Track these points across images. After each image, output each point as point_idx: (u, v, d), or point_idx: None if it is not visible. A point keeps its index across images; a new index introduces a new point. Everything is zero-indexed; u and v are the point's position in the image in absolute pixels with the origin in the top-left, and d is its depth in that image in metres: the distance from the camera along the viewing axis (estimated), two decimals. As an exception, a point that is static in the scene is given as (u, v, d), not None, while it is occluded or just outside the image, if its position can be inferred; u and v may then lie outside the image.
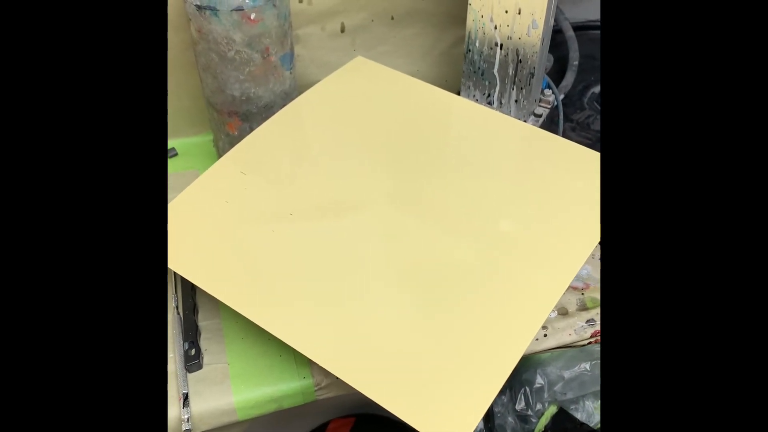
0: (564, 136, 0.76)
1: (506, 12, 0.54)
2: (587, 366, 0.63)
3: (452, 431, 0.37)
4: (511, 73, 0.57)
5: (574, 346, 0.50)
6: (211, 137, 0.64)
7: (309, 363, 0.47)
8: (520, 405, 0.64)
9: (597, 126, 0.78)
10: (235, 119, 0.56)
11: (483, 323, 0.42)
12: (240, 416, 0.46)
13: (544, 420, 0.62)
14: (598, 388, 0.63)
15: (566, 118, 0.79)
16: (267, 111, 0.55)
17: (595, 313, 0.50)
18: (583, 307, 0.51)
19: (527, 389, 0.64)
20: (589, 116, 0.80)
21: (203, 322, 0.50)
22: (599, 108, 0.79)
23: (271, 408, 0.46)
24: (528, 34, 0.54)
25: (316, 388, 0.47)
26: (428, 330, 0.42)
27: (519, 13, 0.53)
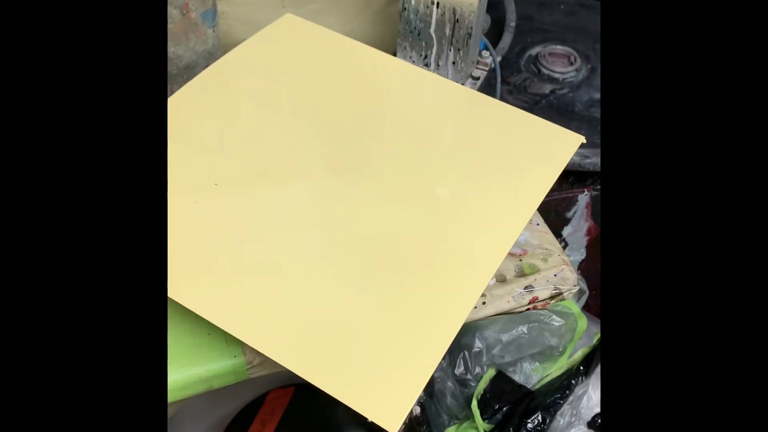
0: (501, 99, 0.75)
1: (442, -32, 0.51)
2: (524, 329, 0.63)
3: (391, 407, 0.36)
4: (448, 34, 0.55)
5: (513, 313, 0.50)
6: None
7: (240, 341, 0.45)
8: (459, 369, 0.64)
9: (534, 89, 0.77)
10: (153, 81, 0.52)
11: (421, 293, 0.41)
12: (169, 398, 0.43)
13: (483, 383, 0.63)
14: (536, 350, 0.64)
15: (503, 81, 0.78)
16: (188, 72, 0.52)
17: (533, 279, 0.50)
18: (521, 274, 0.51)
19: (466, 353, 0.64)
20: (525, 79, 0.79)
21: (124, 300, 0.46)
22: (536, 70, 0.79)
23: (202, 389, 0.44)
24: (465, -8, 0.52)
25: (248, 367, 0.44)
26: (364, 302, 0.41)
27: (456, -30, 0.51)
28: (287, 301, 0.40)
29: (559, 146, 0.49)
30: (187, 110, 0.49)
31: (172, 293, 0.40)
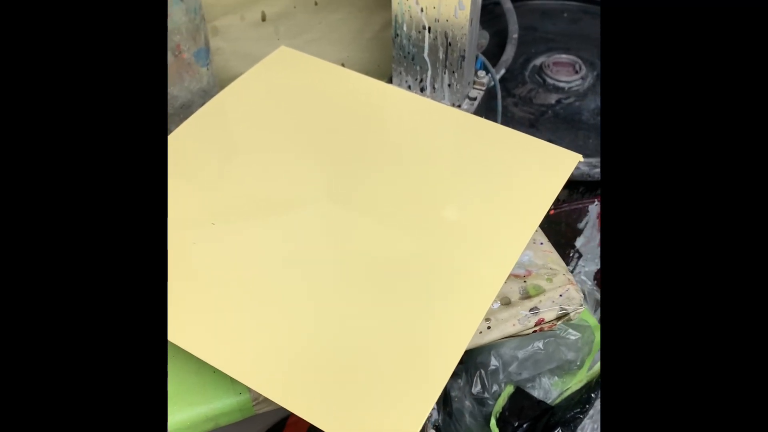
0: (506, 111, 0.75)
1: (431, -7, 0.51)
2: (540, 344, 0.62)
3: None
4: (441, 57, 0.55)
5: (519, 336, 0.49)
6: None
7: (244, 378, 0.45)
8: (477, 388, 0.63)
9: (539, 100, 0.77)
10: (152, 122, 0.53)
11: (423, 319, 0.41)
12: (175, 438, 0.44)
13: (502, 401, 0.62)
14: (553, 365, 0.63)
15: (508, 93, 0.77)
16: (184, 111, 0.52)
17: (538, 301, 0.49)
18: (526, 295, 0.50)
19: (482, 372, 0.63)
20: (531, 90, 0.78)
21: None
22: (541, 81, 0.78)
23: (208, 427, 0.44)
24: (455, 16, 0.52)
25: (254, 403, 0.45)
26: (367, 333, 0.41)
27: (444, -6, 0.51)
28: (289, 339, 0.40)
29: (557, 165, 0.49)
30: (185, 148, 0.49)
31: (172, 337, 0.40)
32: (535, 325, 0.49)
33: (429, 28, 0.53)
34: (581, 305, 0.49)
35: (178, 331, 0.40)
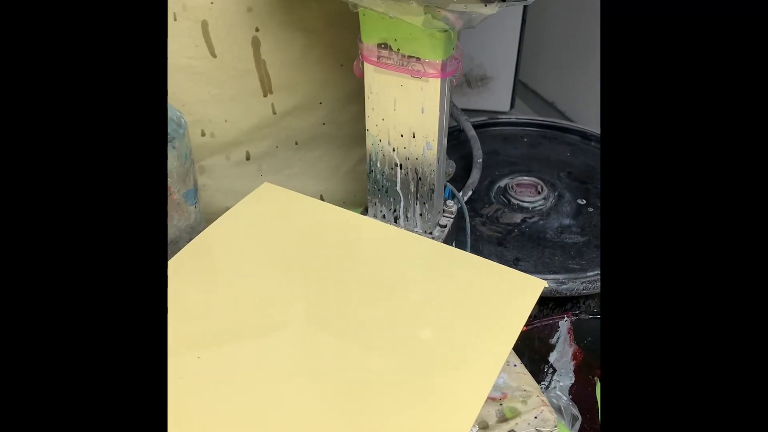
0: (475, 230, 0.79)
1: (402, 136, 0.56)
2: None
3: None
4: (413, 190, 0.59)
5: (498, 460, 0.50)
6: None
7: None
8: None
9: (505, 219, 0.82)
10: (140, 258, 0.55)
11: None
12: None
13: None
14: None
15: (476, 213, 0.82)
16: (173, 246, 0.55)
17: (515, 424, 0.51)
18: (503, 419, 0.52)
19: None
20: (497, 210, 0.83)
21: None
22: (506, 201, 0.83)
23: None
24: (424, 155, 0.57)
25: None
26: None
27: (413, 137, 0.56)
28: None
29: (524, 290, 0.52)
30: (173, 283, 0.52)
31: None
32: (514, 448, 0.50)
33: (400, 165, 0.58)
34: (555, 426, 0.51)
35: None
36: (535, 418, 0.50)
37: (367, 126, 0.57)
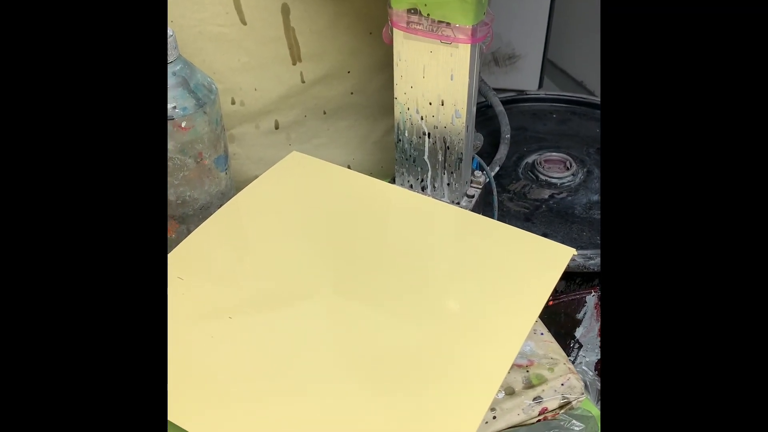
0: (502, 205, 0.78)
1: (430, 104, 0.56)
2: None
3: None
4: (440, 159, 0.59)
5: (524, 425, 0.50)
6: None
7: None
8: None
9: (533, 195, 0.81)
10: (172, 222, 0.56)
11: (430, 410, 0.42)
12: None
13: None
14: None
15: (504, 189, 0.81)
16: (204, 212, 0.56)
17: (541, 390, 0.51)
18: (529, 385, 0.52)
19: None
20: (525, 186, 0.83)
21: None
22: (534, 177, 0.83)
23: None
24: (453, 123, 0.57)
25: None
26: (373, 424, 0.42)
27: (442, 105, 0.56)
28: (302, 425, 0.41)
29: (552, 259, 0.52)
30: (204, 247, 0.52)
31: (189, 426, 0.41)
32: (539, 414, 0.50)
33: (429, 134, 0.58)
34: (582, 394, 0.50)
35: (181, 414, 0.42)
36: (562, 385, 0.50)
37: (396, 94, 0.57)
